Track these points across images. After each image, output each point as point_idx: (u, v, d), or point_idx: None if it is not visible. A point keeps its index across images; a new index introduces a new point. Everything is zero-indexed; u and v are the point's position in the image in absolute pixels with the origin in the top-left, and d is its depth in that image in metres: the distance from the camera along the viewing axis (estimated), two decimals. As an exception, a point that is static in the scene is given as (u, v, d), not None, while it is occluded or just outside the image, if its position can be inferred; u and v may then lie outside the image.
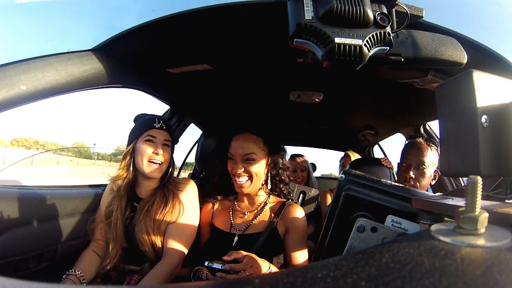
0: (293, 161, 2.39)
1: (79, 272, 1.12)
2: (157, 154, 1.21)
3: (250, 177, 1.19)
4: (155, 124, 1.25)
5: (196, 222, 1.26)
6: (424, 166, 1.40)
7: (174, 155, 1.33)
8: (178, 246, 1.16)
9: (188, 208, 1.24)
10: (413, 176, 1.40)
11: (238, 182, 1.19)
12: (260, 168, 1.21)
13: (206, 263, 0.96)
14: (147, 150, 1.21)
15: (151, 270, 1.08)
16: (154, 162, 1.21)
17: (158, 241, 1.17)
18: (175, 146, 1.37)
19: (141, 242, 1.16)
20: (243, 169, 1.18)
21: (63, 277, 1.10)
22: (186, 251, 1.18)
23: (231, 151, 1.21)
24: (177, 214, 1.21)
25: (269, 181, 1.27)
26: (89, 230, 1.25)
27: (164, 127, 1.27)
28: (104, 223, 1.22)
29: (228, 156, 1.23)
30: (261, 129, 1.26)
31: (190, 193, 1.30)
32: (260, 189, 1.26)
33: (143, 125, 1.25)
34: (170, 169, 1.30)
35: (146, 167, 1.21)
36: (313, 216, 1.88)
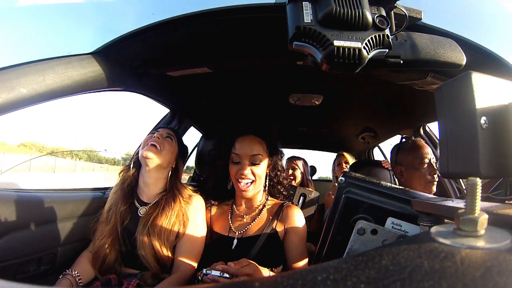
0: (288, 161, 2.44)
1: (75, 272, 1.11)
2: (156, 137, 1.24)
3: (253, 181, 1.20)
4: (161, 125, 1.39)
5: (204, 235, 1.24)
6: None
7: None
8: (190, 261, 1.16)
9: (198, 223, 1.24)
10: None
11: (241, 186, 1.19)
12: (263, 171, 1.23)
13: (204, 271, 0.95)
14: (146, 139, 1.25)
15: (162, 282, 1.08)
16: (152, 144, 1.21)
17: (162, 255, 1.15)
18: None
19: (145, 258, 1.14)
20: (250, 171, 1.19)
21: (60, 277, 1.10)
22: (196, 264, 1.18)
23: (237, 151, 1.22)
24: (186, 228, 1.20)
25: (267, 183, 1.30)
26: (91, 230, 1.25)
27: (169, 126, 1.37)
28: (104, 224, 1.22)
29: (232, 159, 1.23)
30: (265, 132, 1.28)
31: (199, 208, 1.27)
32: (258, 191, 1.27)
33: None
34: (175, 166, 1.30)
35: (144, 151, 1.20)
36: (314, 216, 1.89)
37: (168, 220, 1.17)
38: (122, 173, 1.30)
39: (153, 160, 1.19)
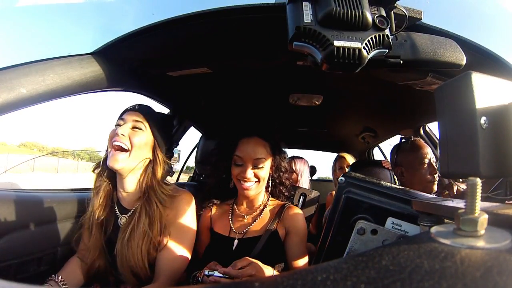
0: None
1: (60, 278, 1.04)
2: (121, 134, 1.01)
3: (257, 182, 1.19)
4: (128, 107, 1.09)
5: (192, 241, 1.13)
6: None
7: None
8: (171, 271, 1.05)
9: (182, 228, 1.10)
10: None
11: (245, 186, 1.18)
12: (266, 173, 1.22)
13: (206, 272, 0.94)
14: (111, 135, 1.04)
15: None
16: (116, 145, 1.01)
17: (140, 273, 1.05)
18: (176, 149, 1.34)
19: (123, 275, 1.07)
20: (253, 174, 1.17)
21: (46, 280, 1.04)
22: (179, 274, 1.08)
23: (239, 154, 1.19)
24: (167, 235, 1.06)
25: (269, 183, 1.28)
26: (75, 240, 1.17)
27: (137, 108, 1.08)
28: (86, 233, 1.14)
29: (234, 160, 1.21)
30: (269, 134, 1.26)
31: (183, 210, 1.11)
32: (260, 191, 1.26)
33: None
34: (153, 157, 1.09)
35: (109, 160, 1.01)
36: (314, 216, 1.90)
37: (144, 233, 1.03)
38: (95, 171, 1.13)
39: (124, 168, 1.03)
